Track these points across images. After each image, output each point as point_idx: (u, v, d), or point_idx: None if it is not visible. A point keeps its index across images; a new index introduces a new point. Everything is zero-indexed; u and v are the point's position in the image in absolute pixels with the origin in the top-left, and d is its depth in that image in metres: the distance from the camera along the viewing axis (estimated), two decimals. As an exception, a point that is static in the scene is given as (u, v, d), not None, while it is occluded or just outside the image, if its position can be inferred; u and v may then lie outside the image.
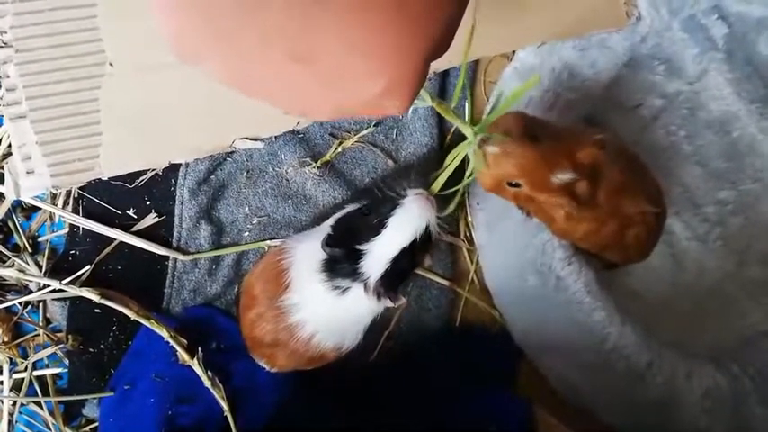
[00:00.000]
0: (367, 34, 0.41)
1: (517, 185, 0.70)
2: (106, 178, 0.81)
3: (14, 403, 0.83)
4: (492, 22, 0.85)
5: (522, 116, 0.72)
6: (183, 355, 0.78)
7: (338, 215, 0.80)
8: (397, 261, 0.73)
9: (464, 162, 0.75)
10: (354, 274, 0.73)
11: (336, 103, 0.46)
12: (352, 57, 0.42)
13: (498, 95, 0.72)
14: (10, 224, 0.86)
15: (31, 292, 0.84)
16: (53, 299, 0.84)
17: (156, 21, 0.43)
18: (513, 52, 0.90)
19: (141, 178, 0.84)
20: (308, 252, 0.77)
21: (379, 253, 0.73)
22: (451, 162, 0.76)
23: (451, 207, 0.79)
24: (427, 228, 0.73)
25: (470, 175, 0.74)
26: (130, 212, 0.85)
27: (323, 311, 0.76)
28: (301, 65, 0.42)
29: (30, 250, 0.86)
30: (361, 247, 0.73)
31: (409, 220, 0.73)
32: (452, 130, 0.91)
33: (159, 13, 0.43)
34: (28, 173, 0.78)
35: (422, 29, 0.43)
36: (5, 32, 0.76)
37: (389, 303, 0.75)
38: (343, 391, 0.86)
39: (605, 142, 0.69)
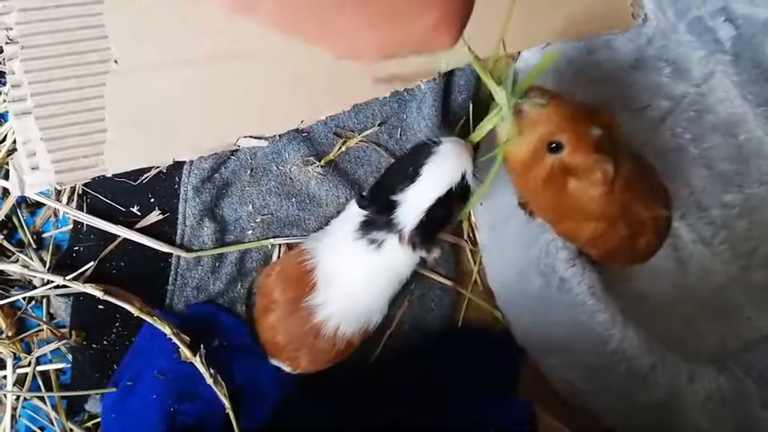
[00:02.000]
0: None
1: (557, 147, 0.67)
2: (110, 175, 0.81)
3: (18, 398, 0.83)
4: (497, 22, 0.85)
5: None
6: (185, 353, 0.78)
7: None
8: (432, 212, 0.70)
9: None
10: (389, 226, 0.72)
11: (385, 41, 0.46)
12: None
13: (514, 73, 0.69)
14: (14, 220, 0.87)
15: (34, 287, 0.84)
16: (57, 294, 0.84)
17: None
18: (519, 53, 0.90)
19: (145, 175, 0.84)
20: (342, 219, 0.79)
21: (413, 203, 0.70)
22: (483, 128, 0.73)
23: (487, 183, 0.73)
24: (464, 177, 0.70)
25: (505, 141, 0.69)
26: (134, 209, 0.85)
27: (352, 281, 0.76)
28: (358, 2, 0.43)
29: (34, 246, 0.86)
30: (395, 198, 0.71)
31: (445, 169, 0.70)
32: (457, 129, 0.91)
33: None
34: (32, 169, 0.78)
35: None
36: (11, 29, 0.76)
37: (425, 254, 0.73)
38: (345, 391, 0.86)
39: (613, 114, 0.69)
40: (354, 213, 0.75)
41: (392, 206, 0.71)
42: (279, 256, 0.88)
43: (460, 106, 0.91)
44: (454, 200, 0.71)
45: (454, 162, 0.70)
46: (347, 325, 0.77)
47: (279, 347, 0.80)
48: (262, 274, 0.84)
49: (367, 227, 0.74)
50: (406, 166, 0.72)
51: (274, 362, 0.82)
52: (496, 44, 0.68)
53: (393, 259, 0.74)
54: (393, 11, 0.44)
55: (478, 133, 0.74)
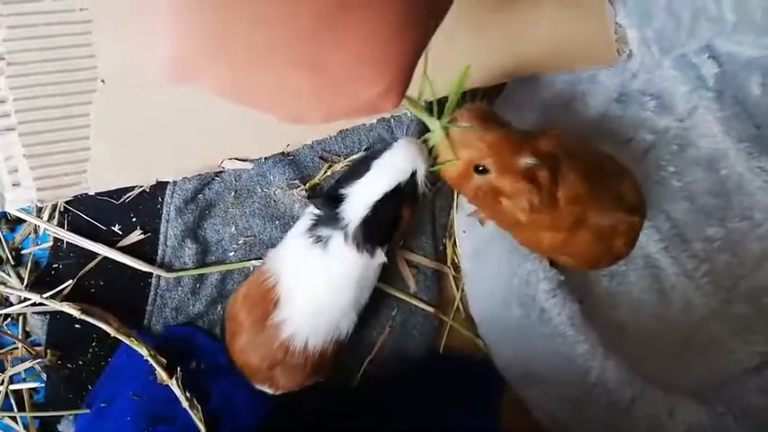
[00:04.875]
0: (375, 46, 0.44)
1: (484, 171, 0.70)
2: (93, 193, 0.80)
3: (-11, 417, 0.82)
4: (484, 53, 0.86)
5: (484, 105, 0.73)
6: (161, 375, 0.78)
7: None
8: (378, 208, 0.71)
9: None
10: (335, 221, 0.72)
11: (331, 108, 0.48)
12: (359, 66, 0.44)
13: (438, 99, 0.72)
14: (-6, 236, 0.86)
15: (11, 304, 0.83)
16: (33, 312, 0.83)
17: (156, 45, 0.44)
18: (504, 84, 0.91)
19: (128, 194, 0.84)
20: (295, 229, 0.79)
21: (360, 196, 0.71)
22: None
23: None
24: (413, 176, 0.71)
25: (439, 164, 0.72)
26: (116, 228, 0.84)
27: (311, 291, 0.75)
28: (305, 73, 0.44)
29: (12, 262, 0.85)
30: (342, 191, 0.72)
31: (394, 163, 0.71)
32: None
33: (163, 36, 0.43)
34: (14, 185, 0.78)
35: (415, 30, 0.45)
36: (-2, 45, 0.76)
37: (369, 257, 0.73)
38: (322, 415, 0.85)
39: (560, 137, 0.71)
40: (305, 220, 0.76)
41: (339, 199, 0.72)
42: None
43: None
44: (402, 199, 0.72)
45: (402, 157, 0.71)
46: (316, 337, 0.76)
47: (253, 370, 0.79)
48: (230, 299, 0.83)
49: (315, 224, 0.75)
50: (361, 164, 0.74)
51: (256, 385, 0.81)
52: (421, 82, 0.68)
53: (343, 262, 0.74)
54: (340, 82, 0.45)
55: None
